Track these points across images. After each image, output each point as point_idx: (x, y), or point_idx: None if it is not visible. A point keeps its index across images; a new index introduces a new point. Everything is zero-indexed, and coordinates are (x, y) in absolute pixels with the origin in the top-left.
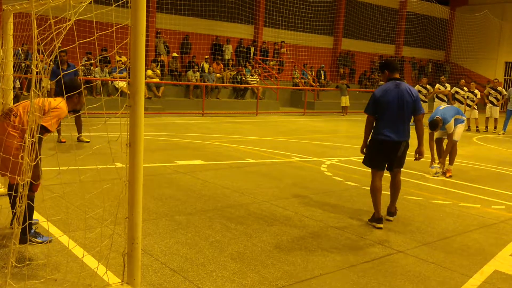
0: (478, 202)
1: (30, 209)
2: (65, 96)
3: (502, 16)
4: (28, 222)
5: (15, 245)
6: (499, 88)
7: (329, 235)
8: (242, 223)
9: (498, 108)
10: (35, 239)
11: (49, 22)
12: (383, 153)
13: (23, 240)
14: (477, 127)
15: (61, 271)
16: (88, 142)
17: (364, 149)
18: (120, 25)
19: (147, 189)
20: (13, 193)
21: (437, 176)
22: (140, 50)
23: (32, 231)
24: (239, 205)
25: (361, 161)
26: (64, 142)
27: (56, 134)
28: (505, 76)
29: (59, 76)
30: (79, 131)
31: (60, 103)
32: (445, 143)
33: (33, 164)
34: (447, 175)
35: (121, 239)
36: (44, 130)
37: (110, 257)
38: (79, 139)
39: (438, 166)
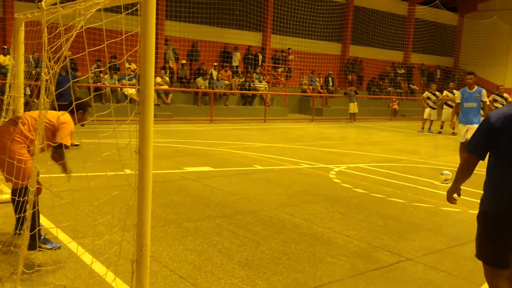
0: None
1: (37, 215)
2: (69, 110)
3: None
4: (37, 228)
5: (23, 250)
6: (505, 95)
7: (338, 242)
8: (250, 230)
9: None
10: (45, 246)
11: (58, 29)
12: (508, 236)
13: (32, 246)
14: None
15: (70, 278)
16: (78, 145)
17: (452, 198)
18: (129, 33)
19: (155, 195)
20: (16, 197)
21: (447, 183)
22: (149, 58)
23: (42, 237)
24: (247, 212)
25: (368, 166)
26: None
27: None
28: None
29: (67, 86)
30: None
31: (66, 117)
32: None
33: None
34: None
35: (130, 245)
36: (61, 146)
37: (119, 264)
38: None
39: (448, 173)
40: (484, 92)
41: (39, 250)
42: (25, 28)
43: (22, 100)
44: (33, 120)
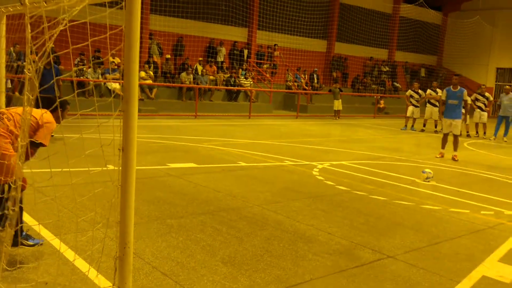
0: (467, 207)
1: (20, 211)
2: (51, 108)
3: (494, 23)
4: (20, 225)
5: (7, 247)
6: (486, 94)
7: (320, 239)
8: (233, 227)
9: (486, 113)
10: (26, 242)
11: (42, 26)
12: None
13: (14, 242)
14: (467, 132)
15: (52, 275)
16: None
17: None
18: (114, 30)
19: (139, 192)
20: None
21: (428, 181)
22: (134, 57)
23: (23, 233)
24: (231, 208)
25: (351, 163)
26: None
27: None
28: (496, 81)
29: (52, 82)
30: None
31: (49, 117)
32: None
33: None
34: (456, 158)
35: (113, 242)
36: (40, 145)
37: (102, 260)
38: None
39: (430, 171)
40: (465, 92)
41: (20, 246)
42: (7, 22)
43: (3, 95)
44: (17, 116)
